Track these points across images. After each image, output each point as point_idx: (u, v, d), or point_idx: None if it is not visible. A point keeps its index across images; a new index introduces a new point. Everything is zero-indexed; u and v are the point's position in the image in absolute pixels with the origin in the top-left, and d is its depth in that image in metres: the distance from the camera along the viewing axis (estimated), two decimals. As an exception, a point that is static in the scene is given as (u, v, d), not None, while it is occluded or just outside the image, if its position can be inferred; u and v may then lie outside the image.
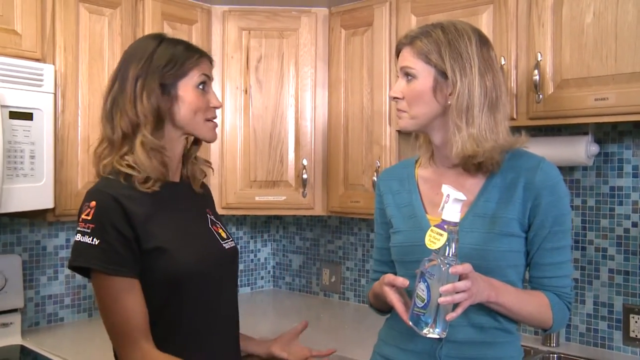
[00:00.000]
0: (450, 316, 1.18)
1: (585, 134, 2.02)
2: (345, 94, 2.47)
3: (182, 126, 1.40)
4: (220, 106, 1.46)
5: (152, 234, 1.32)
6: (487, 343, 1.36)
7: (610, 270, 2.09)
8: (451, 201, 1.20)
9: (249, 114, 2.53)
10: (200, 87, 1.40)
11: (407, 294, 1.34)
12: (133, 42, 1.47)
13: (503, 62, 1.94)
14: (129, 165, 1.34)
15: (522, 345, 2.08)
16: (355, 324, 2.56)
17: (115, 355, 1.39)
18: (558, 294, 1.37)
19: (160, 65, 1.36)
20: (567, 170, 2.14)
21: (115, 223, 1.28)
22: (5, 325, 2.14)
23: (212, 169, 1.62)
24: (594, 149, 2.00)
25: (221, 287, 1.44)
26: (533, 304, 1.35)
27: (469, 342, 1.35)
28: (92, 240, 1.27)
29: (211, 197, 1.62)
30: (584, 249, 2.14)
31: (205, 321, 1.40)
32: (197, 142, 1.50)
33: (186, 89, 1.38)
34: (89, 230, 1.28)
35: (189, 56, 1.39)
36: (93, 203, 1.30)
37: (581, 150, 1.96)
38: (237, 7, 2.52)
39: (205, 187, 1.59)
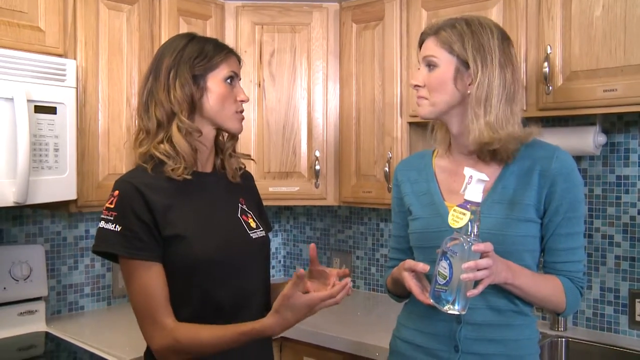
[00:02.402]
0: (472, 293, 1.24)
1: (593, 124, 2.08)
2: (356, 86, 2.52)
3: (210, 117, 1.46)
4: (248, 100, 1.52)
5: (171, 222, 1.38)
6: (504, 325, 1.42)
7: (617, 257, 2.16)
8: (474, 182, 1.25)
9: (262, 107, 2.58)
10: (228, 81, 1.47)
11: (427, 278, 1.40)
12: (165, 42, 1.54)
13: (513, 55, 1.99)
14: (164, 153, 1.42)
15: (532, 330, 2.16)
16: (365, 311, 2.62)
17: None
18: (571, 278, 1.44)
19: (192, 57, 1.44)
20: (574, 159, 2.20)
21: (136, 210, 1.36)
22: (31, 312, 2.20)
23: (254, 160, 1.72)
24: (602, 139, 2.06)
25: (245, 274, 1.48)
26: (548, 287, 1.41)
27: (487, 324, 1.41)
28: (115, 227, 1.35)
29: (251, 187, 1.67)
30: (590, 236, 2.20)
31: (230, 307, 1.44)
32: (233, 135, 1.56)
33: (215, 81, 1.45)
34: (112, 218, 1.36)
35: (218, 51, 1.47)
36: (116, 192, 1.38)
37: (589, 140, 2.02)
38: (249, 3, 2.57)
39: (246, 178, 1.65)
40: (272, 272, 3.24)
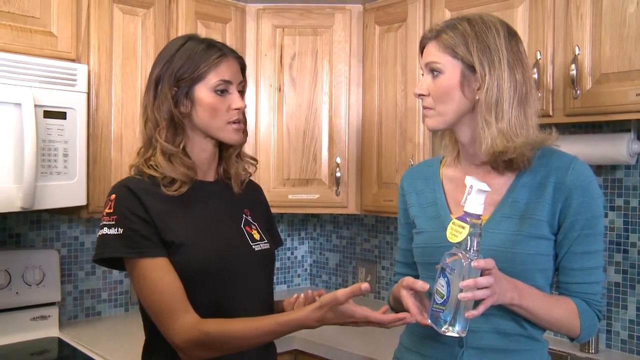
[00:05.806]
0: (471, 314, 1.13)
1: (628, 130, 1.92)
2: (379, 91, 2.43)
3: (201, 130, 1.40)
4: (244, 107, 1.42)
5: (169, 228, 1.33)
6: (511, 350, 1.30)
7: (656, 275, 1.99)
8: (474, 192, 1.14)
9: (282, 111, 2.52)
10: (218, 91, 1.38)
11: (428, 297, 1.30)
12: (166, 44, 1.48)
13: (539, 57, 1.86)
14: (151, 167, 1.37)
15: (558, 351, 2.03)
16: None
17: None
18: (587, 301, 1.31)
19: (175, 69, 1.36)
20: (608, 169, 2.05)
21: (135, 210, 1.31)
22: (43, 317, 2.20)
23: (256, 166, 1.58)
24: (637, 147, 1.89)
25: (244, 285, 1.42)
26: (560, 310, 1.29)
27: (492, 349, 1.30)
28: (118, 230, 1.30)
29: (258, 200, 1.60)
30: (626, 251, 2.03)
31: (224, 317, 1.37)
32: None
33: (203, 92, 1.37)
34: (112, 222, 1.31)
35: (205, 57, 1.37)
36: (113, 196, 1.34)
37: (622, 148, 1.86)
38: (271, 5, 2.51)
39: (253, 189, 1.58)
40: (298, 280, 3.18)
